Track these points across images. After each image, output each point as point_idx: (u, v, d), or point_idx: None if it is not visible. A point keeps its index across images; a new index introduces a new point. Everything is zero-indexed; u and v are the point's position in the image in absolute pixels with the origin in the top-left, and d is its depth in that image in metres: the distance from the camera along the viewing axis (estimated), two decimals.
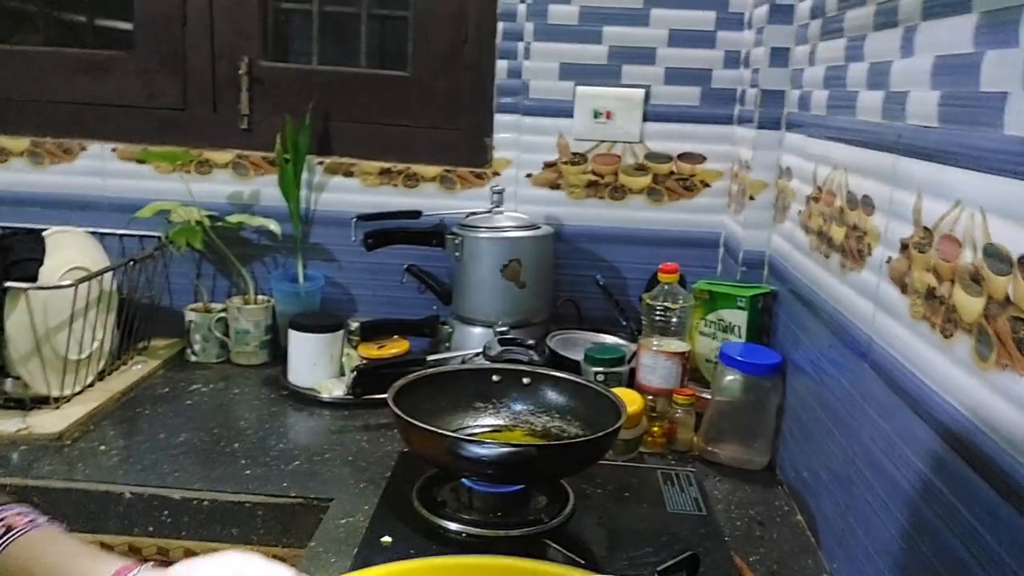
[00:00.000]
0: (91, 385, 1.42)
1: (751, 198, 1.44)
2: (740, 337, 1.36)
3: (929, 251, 0.79)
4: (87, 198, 1.68)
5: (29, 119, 1.69)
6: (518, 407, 1.18)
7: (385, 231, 1.55)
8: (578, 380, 1.18)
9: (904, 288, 0.85)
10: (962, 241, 0.73)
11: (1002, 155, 0.67)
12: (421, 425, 0.98)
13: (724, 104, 1.60)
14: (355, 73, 1.70)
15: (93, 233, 1.55)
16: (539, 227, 1.55)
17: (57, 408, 1.32)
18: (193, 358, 1.61)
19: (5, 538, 0.72)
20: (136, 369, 1.52)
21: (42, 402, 1.32)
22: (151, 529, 1.13)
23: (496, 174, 1.65)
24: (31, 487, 1.13)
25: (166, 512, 1.13)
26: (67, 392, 1.35)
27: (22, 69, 1.69)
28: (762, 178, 1.43)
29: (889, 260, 0.89)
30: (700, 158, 1.62)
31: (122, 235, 1.64)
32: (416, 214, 1.59)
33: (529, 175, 1.65)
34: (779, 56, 1.38)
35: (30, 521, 0.75)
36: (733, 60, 1.58)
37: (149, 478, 1.15)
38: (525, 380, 1.19)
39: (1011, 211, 0.65)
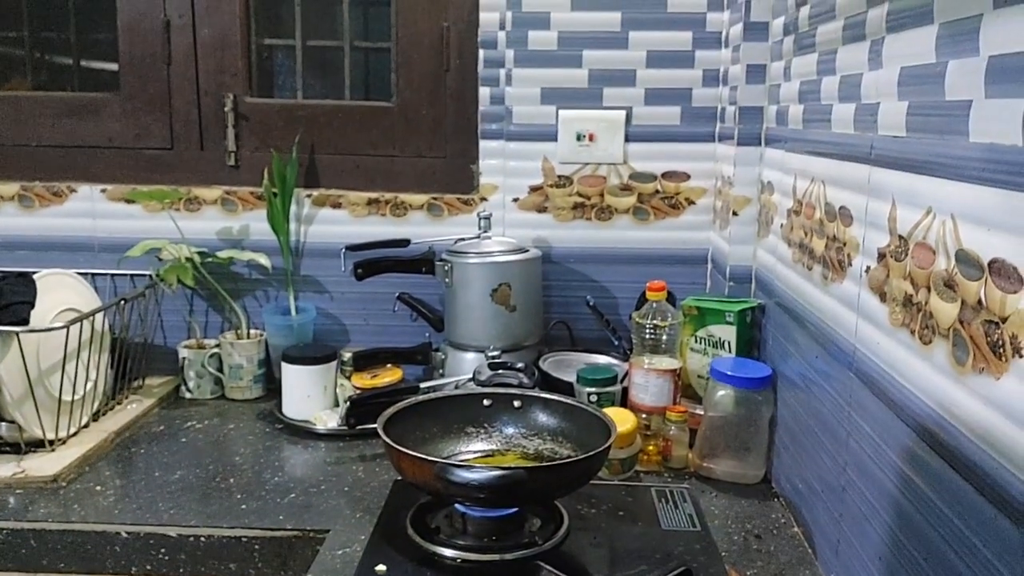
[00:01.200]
0: (86, 426, 1.42)
1: (735, 214, 1.45)
2: (730, 352, 1.36)
3: (905, 259, 0.80)
4: (77, 240, 1.69)
5: (18, 164, 1.71)
6: (510, 431, 1.19)
7: (374, 260, 1.56)
8: (568, 401, 1.18)
9: (883, 296, 0.86)
10: (935, 248, 0.74)
11: (969, 162, 0.68)
12: (409, 452, 0.98)
13: (705, 122, 1.61)
14: (339, 105, 1.72)
15: (84, 274, 1.56)
16: (527, 250, 1.56)
17: (52, 450, 1.32)
18: (188, 395, 1.62)
19: None
20: (131, 408, 1.52)
21: (37, 445, 1.32)
22: (148, 568, 1.13)
23: (483, 199, 1.67)
24: (27, 530, 1.13)
25: (163, 550, 1.13)
26: (62, 434, 1.35)
27: (10, 115, 1.71)
28: (745, 193, 1.44)
29: (868, 269, 0.90)
30: (684, 176, 1.64)
31: (113, 275, 1.65)
32: (405, 242, 1.60)
33: (516, 199, 1.66)
34: (756, 73, 1.40)
35: None
36: (712, 78, 1.59)
37: (145, 517, 1.15)
38: (516, 403, 1.19)
39: (980, 217, 0.66)
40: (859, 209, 0.94)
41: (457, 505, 1.04)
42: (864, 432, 0.90)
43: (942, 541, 0.71)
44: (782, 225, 1.27)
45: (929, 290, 0.75)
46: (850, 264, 0.96)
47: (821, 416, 1.05)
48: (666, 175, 1.64)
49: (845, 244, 0.98)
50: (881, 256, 0.87)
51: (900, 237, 0.82)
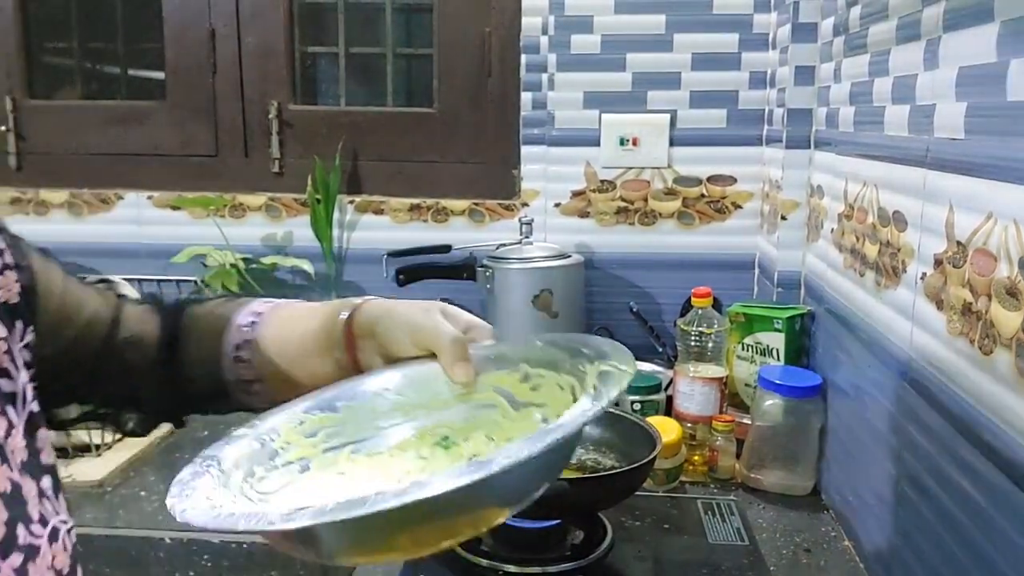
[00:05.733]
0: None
1: (783, 218, 1.42)
2: (779, 360, 1.33)
3: (964, 266, 0.77)
4: (125, 246, 1.71)
5: (67, 171, 1.74)
6: None
7: (416, 266, 1.55)
8: (612, 410, 1.16)
9: (940, 304, 0.83)
10: (996, 254, 0.71)
11: None
12: None
13: (752, 125, 1.58)
14: (382, 112, 1.72)
15: (131, 280, 1.57)
16: (569, 256, 1.54)
17: (99, 455, 1.33)
18: None
19: (254, 322, 0.77)
20: None
21: (84, 450, 1.33)
22: (191, 574, 1.13)
23: (525, 205, 1.65)
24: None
25: (206, 556, 1.13)
26: (108, 439, 1.36)
27: (60, 123, 1.74)
28: (793, 197, 1.41)
29: (924, 276, 0.87)
30: (730, 180, 1.61)
31: (159, 281, 1.67)
32: (446, 248, 1.60)
33: (557, 205, 1.65)
34: (804, 75, 1.37)
35: (272, 304, 0.80)
36: (759, 81, 1.57)
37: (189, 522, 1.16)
38: None
39: None
40: (914, 214, 0.91)
41: None
42: (919, 444, 0.87)
43: (1001, 558, 0.68)
44: (833, 230, 1.24)
45: (990, 298, 0.72)
46: (904, 270, 0.93)
47: (873, 427, 1.02)
48: (712, 179, 1.61)
49: (899, 250, 0.95)
50: (938, 262, 0.84)
51: (958, 243, 0.79)
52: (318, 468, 0.65)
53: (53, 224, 1.73)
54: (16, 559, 0.55)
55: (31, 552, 0.56)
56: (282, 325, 0.78)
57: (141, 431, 0.82)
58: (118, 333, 0.76)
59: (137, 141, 1.73)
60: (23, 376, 0.61)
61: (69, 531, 0.61)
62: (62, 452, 1.32)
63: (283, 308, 0.80)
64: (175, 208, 1.69)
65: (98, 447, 1.34)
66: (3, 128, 1.73)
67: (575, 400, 0.64)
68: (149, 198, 1.71)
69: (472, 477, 0.47)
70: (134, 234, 1.72)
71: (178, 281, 1.66)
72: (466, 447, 0.66)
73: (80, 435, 1.32)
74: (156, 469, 1.34)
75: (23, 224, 1.72)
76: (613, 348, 0.66)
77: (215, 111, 1.71)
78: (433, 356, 0.70)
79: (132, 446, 1.37)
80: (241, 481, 0.59)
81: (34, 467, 0.60)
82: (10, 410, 0.59)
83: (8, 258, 0.63)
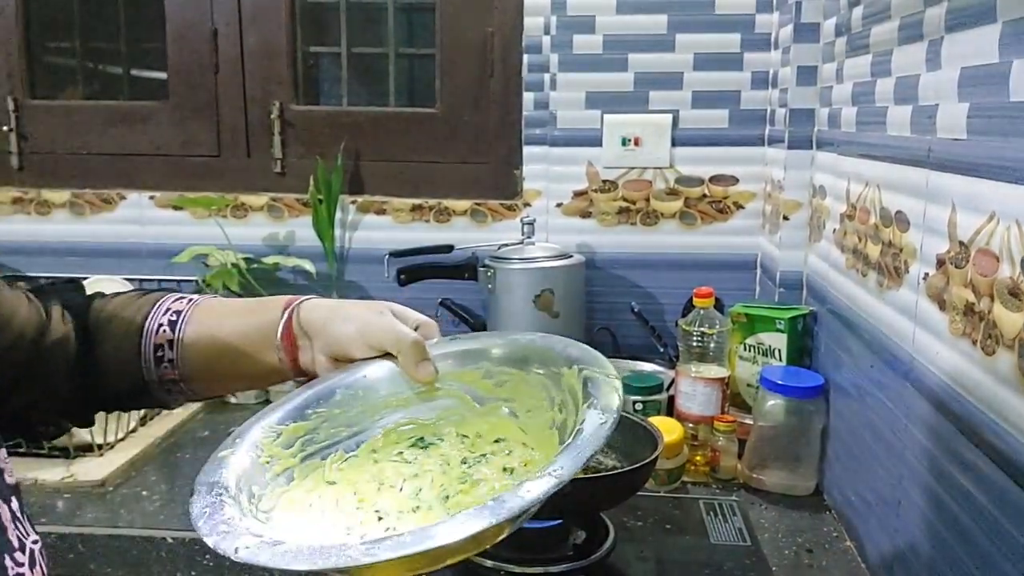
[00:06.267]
0: (133, 431, 1.43)
1: (785, 218, 1.42)
2: (781, 360, 1.33)
3: (966, 266, 0.77)
4: (126, 246, 1.71)
5: (70, 171, 1.74)
6: None
7: (418, 266, 1.56)
8: None
9: (942, 305, 0.83)
10: (999, 255, 0.71)
11: None
12: None
13: (754, 125, 1.58)
14: (384, 112, 1.72)
15: (132, 280, 1.57)
16: (571, 256, 1.54)
17: (101, 455, 1.33)
18: (232, 400, 1.63)
19: (182, 317, 0.77)
20: (176, 413, 1.53)
21: (86, 450, 1.33)
22: (193, 574, 1.13)
23: (527, 205, 1.65)
24: (75, 535, 1.14)
25: (207, 556, 1.13)
26: (110, 439, 1.36)
27: (62, 123, 1.74)
28: (795, 198, 1.41)
29: (926, 276, 0.87)
30: (732, 180, 1.61)
31: (160, 280, 1.67)
32: (448, 248, 1.60)
33: (559, 205, 1.64)
34: (806, 75, 1.37)
35: (189, 300, 0.79)
36: (761, 81, 1.57)
37: (190, 522, 1.15)
38: None
39: None
40: (916, 214, 0.91)
41: None
42: (921, 444, 0.87)
43: (1003, 558, 0.68)
44: (835, 230, 1.24)
45: (992, 298, 0.72)
46: (907, 271, 0.93)
47: (876, 427, 1.02)
48: (714, 179, 1.61)
49: (902, 250, 0.95)
50: (940, 263, 0.83)
51: (960, 243, 0.78)
52: (300, 477, 0.66)
53: (55, 224, 1.73)
54: None
55: None
56: (209, 323, 0.77)
57: (53, 435, 0.80)
58: (46, 339, 0.73)
59: (139, 141, 1.73)
60: None
61: (41, 551, 0.60)
62: (64, 452, 1.32)
63: (206, 305, 0.79)
64: (177, 208, 1.70)
65: (100, 447, 1.34)
66: (5, 128, 1.73)
67: (551, 397, 0.66)
68: (151, 198, 1.71)
69: (522, 504, 0.50)
70: (136, 234, 1.72)
71: (179, 281, 1.66)
72: (444, 447, 0.69)
73: (82, 435, 1.32)
74: (158, 468, 1.34)
75: (25, 224, 1.73)
76: (583, 351, 0.69)
77: (217, 111, 1.71)
78: (386, 356, 0.71)
79: (134, 446, 1.37)
80: (247, 503, 0.60)
81: (3, 489, 0.58)
82: None
83: None
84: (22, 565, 0.56)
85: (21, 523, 0.58)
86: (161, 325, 0.76)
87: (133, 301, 0.79)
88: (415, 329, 0.73)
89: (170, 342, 0.76)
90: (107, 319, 0.77)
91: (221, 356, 0.76)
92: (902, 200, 0.95)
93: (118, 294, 0.81)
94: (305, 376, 0.76)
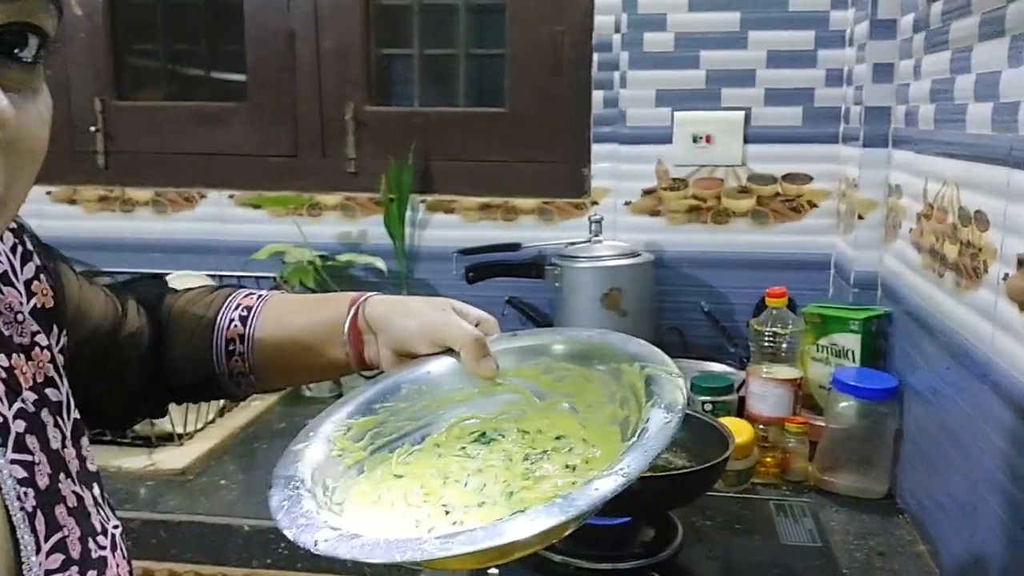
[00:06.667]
0: (212, 422, 1.48)
1: (860, 217, 1.40)
2: (854, 362, 1.31)
3: None
4: (207, 243, 1.77)
5: (152, 170, 1.80)
6: None
7: (485, 264, 1.57)
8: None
9: (1022, 306, 0.81)
10: None
11: None
12: None
13: (828, 123, 1.56)
14: (454, 112, 1.74)
15: (213, 276, 1.63)
16: (639, 255, 1.54)
17: (181, 445, 1.38)
18: (308, 393, 1.67)
19: (253, 312, 0.79)
20: (254, 405, 1.58)
21: (167, 439, 1.38)
22: (269, 561, 1.16)
23: (595, 203, 1.66)
24: (157, 521, 1.19)
25: (283, 544, 1.16)
26: (190, 429, 1.41)
27: (145, 124, 1.81)
28: (870, 196, 1.38)
29: (1006, 277, 0.85)
30: (806, 178, 1.59)
31: (240, 276, 1.71)
32: (515, 246, 1.61)
33: (628, 203, 1.64)
34: (883, 72, 1.35)
35: (259, 296, 0.82)
36: (835, 78, 1.54)
37: (267, 511, 1.19)
38: None
39: None
40: (996, 213, 0.89)
41: None
42: (999, 448, 0.85)
43: None
44: (911, 230, 1.21)
45: None
46: (986, 271, 0.91)
47: (951, 430, 1.00)
48: (787, 177, 1.59)
49: (980, 250, 0.93)
50: (1020, 263, 0.82)
51: None
52: (370, 469, 0.68)
53: (138, 221, 1.80)
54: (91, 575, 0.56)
55: (102, 565, 0.57)
56: (278, 319, 0.79)
57: (119, 427, 0.81)
58: (120, 332, 0.76)
59: (219, 141, 1.79)
60: (65, 384, 0.61)
61: (122, 536, 0.62)
62: (146, 441, 1.37)
63: (276, 301, 0.81)
64: (255, 207, 1.75)
65: (180, 436, 1.39)
66: (93, 128, 1.80)
67: (611, 393, 0.66)
68: (231, 197, 1.76)
69: (591, 502, 0.52)
70: (216, 231, 1.77)
71: (258, 278, 1.70)
72: (505, 443, 0.70)
73: (164, 425, 1.37)
74: (236, 458, 1.38)
75: (110, 221, 1.80)
76: (644, 347, 0.69)
77: (294, 112, 1.75)
78: (448, 352, 0.73)
79: (213, 436, 1.42)
80: (323, 496, 0.62)
81: (85, 476, 0.60)
82: (60, 420, 0.59)
83: (39, 260, 0.62)
84: (104, 548, 0.58)
85: (102, 508, 0.61)
86: (232, 320, 0.79)
87: (204, 296, 0.82)
88: (476, 325, 0.75)
89: (241, 336, 0.78)
90: (179, 314, 0.80)
91: (289, 350, 0.78)
92: (981, 199, 0.93)
93: (188, 290, 0.84)
94: (369, 369, 0.78)
